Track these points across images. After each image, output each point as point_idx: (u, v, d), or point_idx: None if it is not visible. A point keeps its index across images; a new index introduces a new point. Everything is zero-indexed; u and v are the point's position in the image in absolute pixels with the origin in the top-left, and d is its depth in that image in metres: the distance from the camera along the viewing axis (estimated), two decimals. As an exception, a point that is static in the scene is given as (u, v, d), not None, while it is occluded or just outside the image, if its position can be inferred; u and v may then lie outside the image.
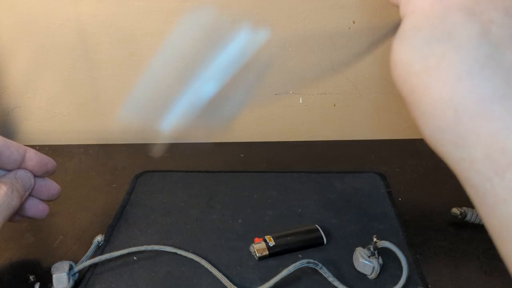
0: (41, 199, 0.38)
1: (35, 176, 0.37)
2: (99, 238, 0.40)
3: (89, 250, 0.38)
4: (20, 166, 0.36)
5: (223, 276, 0.36)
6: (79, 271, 0.37)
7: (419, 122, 0.21)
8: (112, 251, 0.38)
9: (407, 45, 0.20)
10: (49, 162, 0.37)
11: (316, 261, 0.35)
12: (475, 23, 0.19)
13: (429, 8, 0.20)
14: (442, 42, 0.19)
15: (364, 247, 0.37)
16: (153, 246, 0.39)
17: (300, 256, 0.39)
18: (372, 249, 0.36)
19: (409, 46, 0.20)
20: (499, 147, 0.17)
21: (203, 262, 0.37)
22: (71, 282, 0.36)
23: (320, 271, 0.35)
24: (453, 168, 0.20)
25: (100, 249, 0.40)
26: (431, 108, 0.19)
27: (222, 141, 0.62)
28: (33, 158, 0.36)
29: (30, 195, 0.36)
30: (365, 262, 0.36)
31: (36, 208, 0.37)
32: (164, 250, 0.39)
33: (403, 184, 0.49)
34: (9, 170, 0.35)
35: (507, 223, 0.18)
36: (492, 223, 0.18)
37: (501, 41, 0.18)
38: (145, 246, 0.39)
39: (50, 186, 0.38)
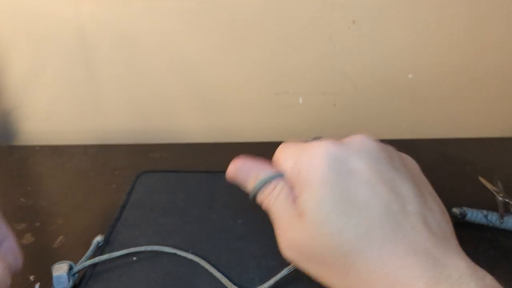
0: None
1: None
2: (99, 238, 0.40)
3: (89, 250, 0.38)
4: None
5: (223, 276, 0.36)
6: (79, 271, 0.37)
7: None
8: (112, 251, 0.38)
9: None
10: (19, 257, 0.30)
11: (316, 261, 0.35)
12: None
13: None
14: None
15: (364, 247, 0.37)
16: (152, 246, 0.39)
17: (300, 256, 0.39)
18: (372, 249, 0.36)
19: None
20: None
21: (203, 263, 0.37)
22: (71, 282, 0.36)
23: (320, 271, 0.35)
24: None
25: (100, 249, 0.40)
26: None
27: (222, 141, 0.62)
28: (11, 245, 0.30)
29: None
30: (365, 262, 0.36)
31: None
32: (164, 250, 0.39)
33: (403, 184, 0.49)
34: None
35: None
36: None
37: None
38: (145, 246, 0.39)
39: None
